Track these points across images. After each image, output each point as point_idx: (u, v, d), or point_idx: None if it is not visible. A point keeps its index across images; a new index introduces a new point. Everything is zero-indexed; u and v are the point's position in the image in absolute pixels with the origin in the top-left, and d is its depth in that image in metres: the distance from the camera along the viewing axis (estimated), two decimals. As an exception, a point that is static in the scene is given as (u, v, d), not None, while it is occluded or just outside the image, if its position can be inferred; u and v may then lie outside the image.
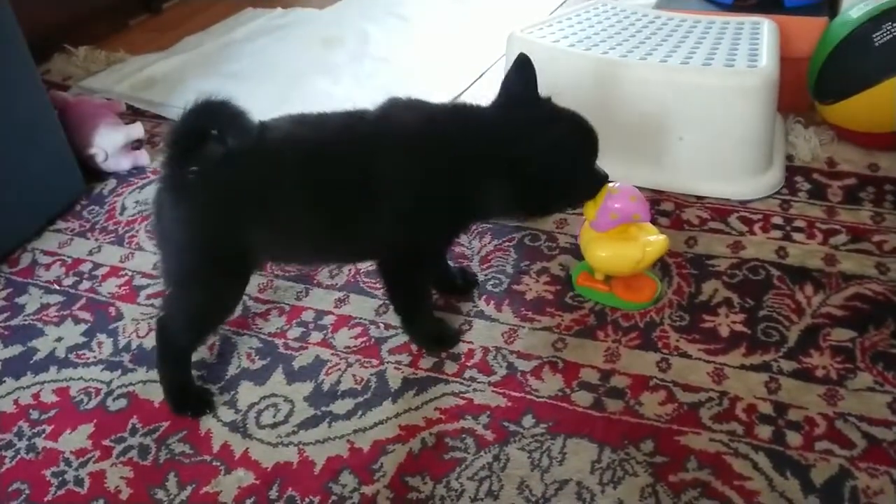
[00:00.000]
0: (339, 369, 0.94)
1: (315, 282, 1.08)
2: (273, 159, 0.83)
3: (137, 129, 1.38)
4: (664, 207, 1.14)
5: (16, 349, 1.03)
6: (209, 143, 0.80)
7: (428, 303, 0.96)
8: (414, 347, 0.95)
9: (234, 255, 0.85)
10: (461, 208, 0.86)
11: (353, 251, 0.94)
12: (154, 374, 0.95)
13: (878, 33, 1.12)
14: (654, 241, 0.93)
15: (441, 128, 0.85)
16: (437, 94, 1.52)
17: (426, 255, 0.92)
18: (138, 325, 1.04)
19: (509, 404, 0.87)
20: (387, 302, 1.02)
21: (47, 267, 1.17)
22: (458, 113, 0.88)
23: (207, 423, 0.89)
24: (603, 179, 0.91)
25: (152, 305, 1.07)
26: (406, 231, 0.85)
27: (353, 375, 0.93)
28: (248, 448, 0.85)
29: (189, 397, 0.91)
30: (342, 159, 0.83)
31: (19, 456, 0.88)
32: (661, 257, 0.97)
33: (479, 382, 0.90)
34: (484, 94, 1.52)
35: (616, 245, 0.94)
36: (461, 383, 0.90)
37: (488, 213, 0.94)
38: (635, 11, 1.41)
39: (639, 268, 0.95)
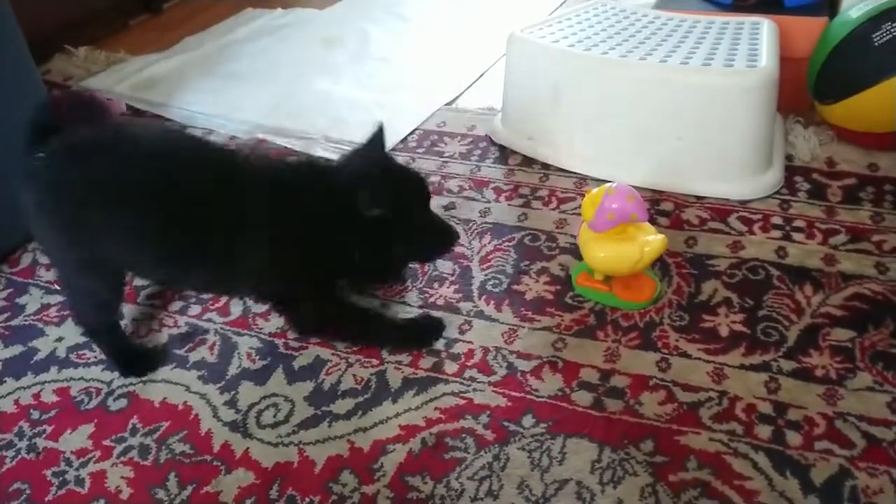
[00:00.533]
0: (340, 369, 0.94)
1: (315, 282, 1.08)
2: (119, 161, 0.82)
3: (138, 130, 1.38)
4: (664, 207, 1.14)
5: (16, 349, 1.03)
6: (64, 134, 0.81)
7: (363, 321, 0.96)
8: (414, 347, 0.95)
9: (77, 248, 0.85)
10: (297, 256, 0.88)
11: (199, 279, 0.93)
12: (154, 374, 0.96)
13: (877, 33, 1.12)
14: (652, 240, 0.93)
15: (289, 176, 0.88)
16: (437, 94, 1.53)
17: (297, 300, 0.94)
18: (138, 325, 1.04)
19: (509, 404, 0.87)
20: (386, 302, 1.03)
21: (48, 267, 1.17)
22: (302, 166, 0.92)
23: (208, 422, 0.89)
24: (447, 230, 0.93)
25: (152, 305, 1.07)
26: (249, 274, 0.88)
27: (354, 375, 0.93)
28: (248, 448, 0.86)
29: (132, 359, 0.96)
30: (192, 182, 0.83)
31: (20, 456, 0.88)
32: (660, 257, 0.97)
33: (478, 382, 0.90)
34: (484, 94, 1.53)
35: (614, 245, 0.95)
36: (461, 383, 0.90)
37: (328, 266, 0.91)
38: (635, 11, 1.41)
39: (637, 267, 0.95)
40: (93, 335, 0.98)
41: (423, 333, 0.96)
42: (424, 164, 1.31)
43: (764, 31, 1.24)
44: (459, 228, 1.12)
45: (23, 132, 0.82)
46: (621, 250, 0.94)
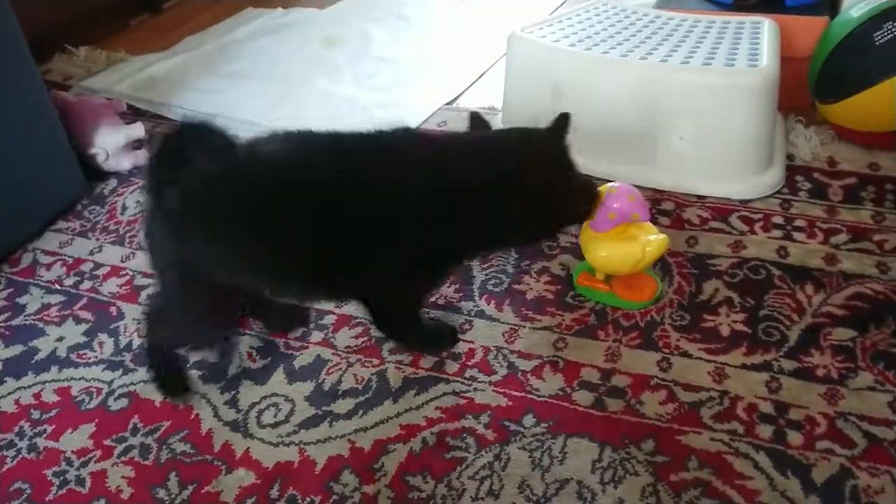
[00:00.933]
0: (340, 369, 0.94)
1: (316, 281, 1.08)
2: (258, 183, 0.78)
3: (138, 129, 1.38)
4: (665, 207, 1.14)
5: (17, 349, 1.03)
6: (193, 163, 0.76)
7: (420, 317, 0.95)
8: (415, 347, 0.95)
9: (211, 278, 0.81)
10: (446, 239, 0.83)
11: (342, 287, 0.89)
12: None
13: (878, 32, 1.12)
14: (653, 240, 0.93)
15: (437, 158, 0.82)
16: (438, 93, 1.53)
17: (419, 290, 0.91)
18: (139, 324, 1.04)
19: (510, 404, 0.87)
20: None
21: (48, 267, 1.17)
22: (454, 142, 0.88)
23: (209, 422, 0.89)
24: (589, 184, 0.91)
25: (153, 305, 1.07)
26: (403, 267, 0.83)
27: (354, 375, 0.93)
28: (248, 447, 0.86)
29: (175, 380, 0.93)
30: (339, 190, 0.78)
31: (21, 455, 0.88)
32: (661, 256, 0.97)
33: (479, 382, 0.90)
34: (484, 94, 1.53)
35: (616, 245, 0.94)
36: (462, 383, 0.90)
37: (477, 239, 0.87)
38: (635, 11, 1.41)
39: (639, 267, 0.95)
40: (152, 350, 0.93)
41: (437, 341, 0.95)
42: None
43: (765, 30, 1.24)
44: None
45: (152, 162, 0.79)
46: (623, 250, 0.94)
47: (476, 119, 0.90)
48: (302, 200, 0.77)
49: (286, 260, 0.80)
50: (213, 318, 0.91)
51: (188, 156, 0.76)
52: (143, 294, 1.09)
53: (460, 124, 1.42)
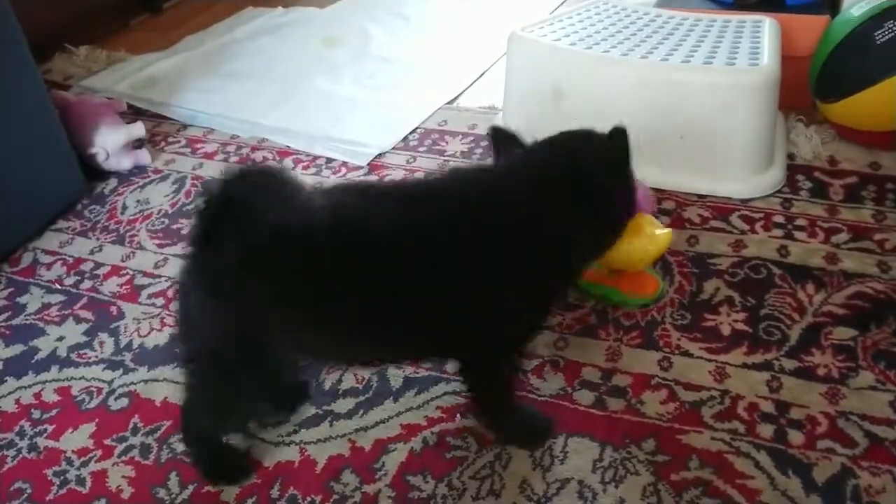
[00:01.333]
0: (341, 368, 0.93)
1: (316, 281, 1.07)
2: (344, 245, 0.68)
3: (138, 129, 1.38)
4: (665, 206, 1.14)
5: (17, 349, 1.03)
6: (253, 220, 0.66)
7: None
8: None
9: (272, 353, 0.74)
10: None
11: (436, 350, 0.82)
12: (155, 374, 0.95)
13: (879, 31, 1.12)
14: (659, 234, 0.93)
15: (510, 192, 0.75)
16: (438, 93, 1.52)
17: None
18: (140, 324, 1.04)
19: (511, 403, 0.87)
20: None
21: (48, 266, 1.17)
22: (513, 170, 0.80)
23: (209, 422, 0.89)
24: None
25: (153, 304, 1.07)
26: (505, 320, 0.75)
27: (355, 374, 0.92)
28: (249, 447, 0.85)
29: (222, 465, 0.83)
30: (435, 249, 0.70)
31: (21, 455, 0.88)
32: (662, 256, 0.97)
33: (480, 381, 0.90)
34: (484, 93, 1.53)
35: (622, 238, 0.94)
36: (462, 382, 0.90)
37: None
38: (636, 10, 1.41)
39: (645, 260, 0.94)
40: (194, 438, 0.82)
41: (533, 432, 0.84)
42: (425, 163, 1.31)
43: (765, 29, 1.24)
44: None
45: (202, 222, 0.66)
46: (629, 243, 0.93)
47: (499, 135, 0.82)
48: (415, 253, 0.70)
49: (403, 317, 0.72)
50: (277, 390, 0.84)
51: (248, 209, 0.66)
52: (144, 294, 1.09)
53: (460, 124, 1.42)
